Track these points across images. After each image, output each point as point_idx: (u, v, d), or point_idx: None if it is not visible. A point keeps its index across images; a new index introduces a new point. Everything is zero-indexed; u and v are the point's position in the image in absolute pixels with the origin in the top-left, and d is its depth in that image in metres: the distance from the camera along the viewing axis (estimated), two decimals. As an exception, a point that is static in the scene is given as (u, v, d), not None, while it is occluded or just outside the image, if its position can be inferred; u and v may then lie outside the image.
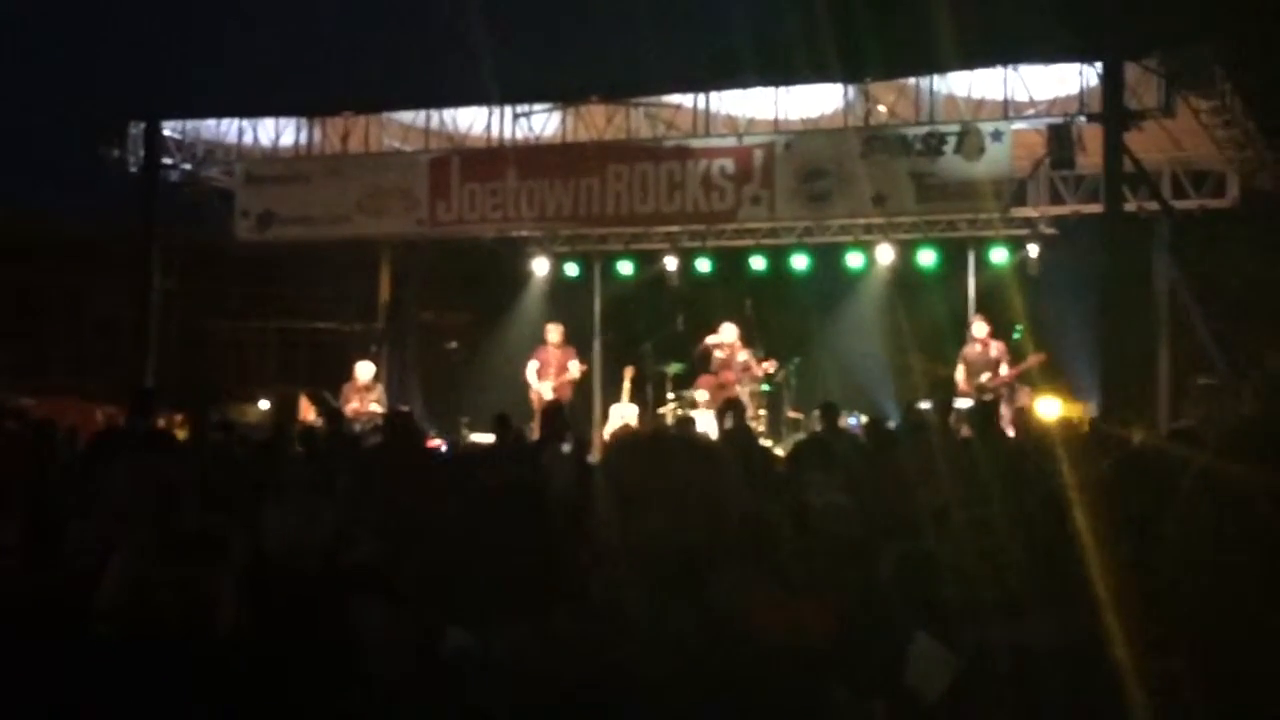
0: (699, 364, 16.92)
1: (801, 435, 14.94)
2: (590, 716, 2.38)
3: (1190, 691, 2.33)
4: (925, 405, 14.01)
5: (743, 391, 16.11)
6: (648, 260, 20.06)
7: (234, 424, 13.38)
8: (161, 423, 12.79)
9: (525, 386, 17.26)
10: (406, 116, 18.40)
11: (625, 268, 20.27)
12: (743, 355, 16.59)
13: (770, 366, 16.67)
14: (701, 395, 16.63)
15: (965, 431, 12.54)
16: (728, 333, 16.80)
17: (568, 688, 2.40)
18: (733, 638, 2.40)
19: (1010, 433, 13.45)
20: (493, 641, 2.89)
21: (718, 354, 16.72)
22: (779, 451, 14.00)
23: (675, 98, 17.26)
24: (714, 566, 2.48)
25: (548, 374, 17.20)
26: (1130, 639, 2.35)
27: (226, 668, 3.40)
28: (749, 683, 2.37)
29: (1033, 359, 15.88)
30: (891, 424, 13.67)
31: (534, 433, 14.92)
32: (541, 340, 17.66)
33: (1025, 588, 3.22)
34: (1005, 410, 14.65)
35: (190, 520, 4.13)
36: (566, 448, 11.23)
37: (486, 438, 14.12)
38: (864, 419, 15.43)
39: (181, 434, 12.62)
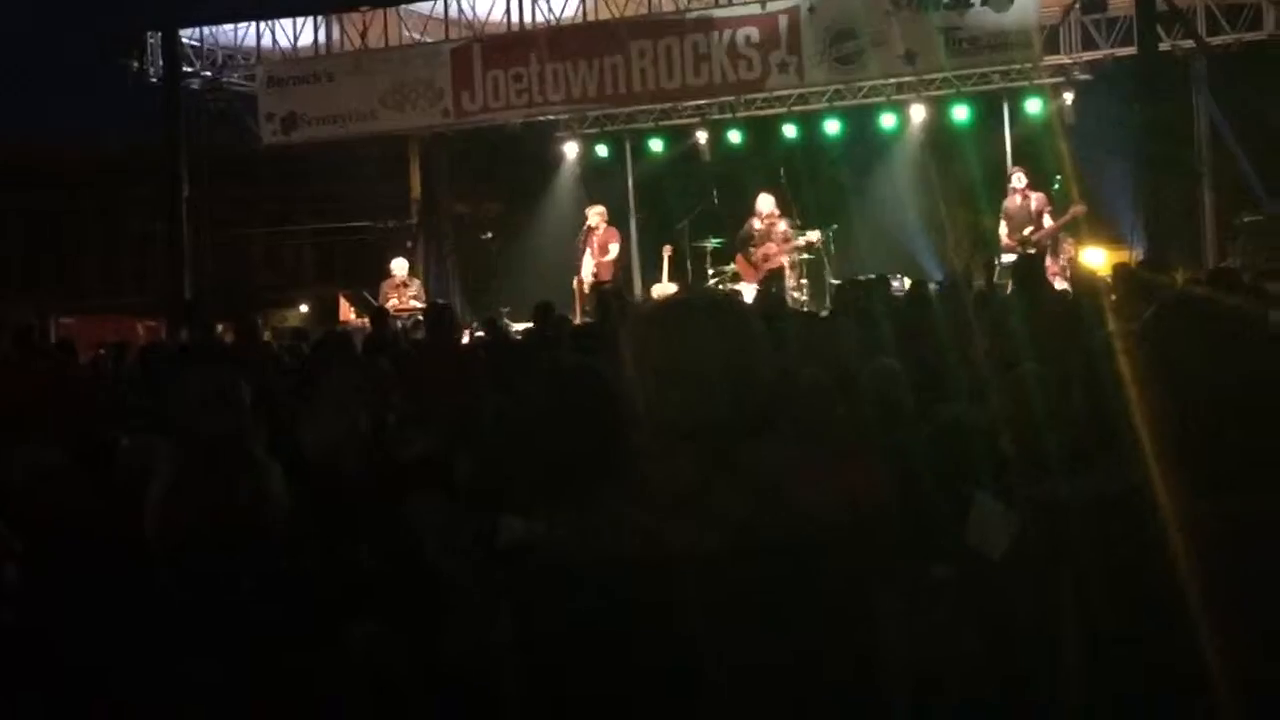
0: (741, 247, 16.62)
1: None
2: (644, 597, 2.36)
3: (1228, 535, 2.30)
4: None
5: (785, 262, 15.99)
6: (678, 136, 19.81)
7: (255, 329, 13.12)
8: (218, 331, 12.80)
9: (570, 274, 17.00)
10: (425, 7, 18.21)
11: (656, 145, 20.06)
12: (782, 225, 16.38)
13: (815, 236, 16.44)
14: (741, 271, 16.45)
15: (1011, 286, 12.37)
16: (764, 203, 16.56)
17: (620, 570, 2.38)
18: (781, 508, 2.36)
19: (1059, 285, 13.29)
20: (546, 529, 2.87)
21: (756, 226, 16.50)
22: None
23: (695, -33, 16.95)
24: (749, 435, 2.42)
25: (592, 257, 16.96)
26: (1173, 485, 2.33)
27: (288, 569, 3.42)
28: (803, 553, 2.34)
29: (1074, 210, 15.62)
30: (934, 285, 13.51)
31: (577, 317, 14.85)
32: (584, 225, 17.36)
33: (1076, 441, 3.17)
34: (1051, 263, 14.47)
35: (207, 428, 4.09)
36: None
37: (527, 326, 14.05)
38: (907, 282, 15.27)
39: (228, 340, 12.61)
